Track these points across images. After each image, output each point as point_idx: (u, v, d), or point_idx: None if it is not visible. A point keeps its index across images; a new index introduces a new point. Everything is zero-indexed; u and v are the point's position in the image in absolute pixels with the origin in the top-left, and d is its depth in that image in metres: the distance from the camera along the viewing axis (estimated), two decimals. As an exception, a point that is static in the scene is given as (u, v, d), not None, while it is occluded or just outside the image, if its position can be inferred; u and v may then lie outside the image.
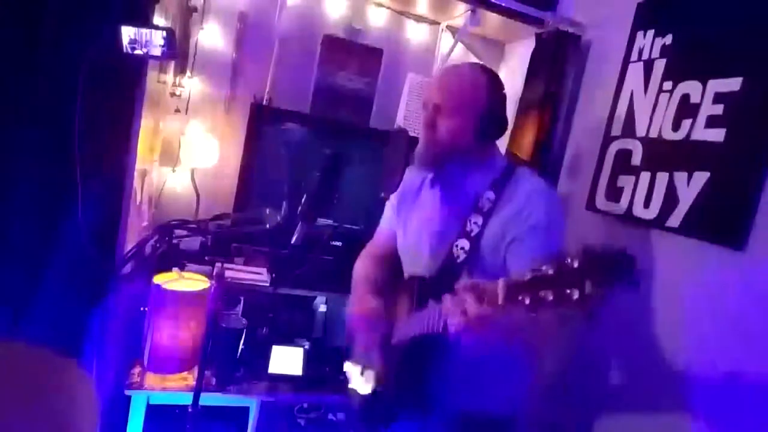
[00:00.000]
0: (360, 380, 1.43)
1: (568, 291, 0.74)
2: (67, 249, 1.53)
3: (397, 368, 1.35)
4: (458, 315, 0.94)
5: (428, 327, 1.14)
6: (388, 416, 1.39)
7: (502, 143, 2.33)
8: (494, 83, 1.33)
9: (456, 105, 1.29)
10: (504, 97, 1.36)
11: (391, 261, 1.57)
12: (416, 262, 1.45)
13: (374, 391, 1.40)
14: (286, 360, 2.10)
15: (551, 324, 1.14)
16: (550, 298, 0.76)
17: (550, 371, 1.99)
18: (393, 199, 1.64)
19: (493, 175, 1.34)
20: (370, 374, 1.40)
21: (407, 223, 1.51)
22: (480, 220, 1.30)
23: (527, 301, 0.80)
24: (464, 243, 1.30)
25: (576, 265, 0.74)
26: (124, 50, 1.49)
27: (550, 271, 0.78)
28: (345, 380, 1.58)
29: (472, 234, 1.30)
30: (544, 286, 0.78)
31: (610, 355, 1.77)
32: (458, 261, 1.30)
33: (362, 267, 1.62)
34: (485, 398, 1.36)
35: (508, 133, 2.30)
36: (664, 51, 1.74)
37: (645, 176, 1.71)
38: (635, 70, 1.85)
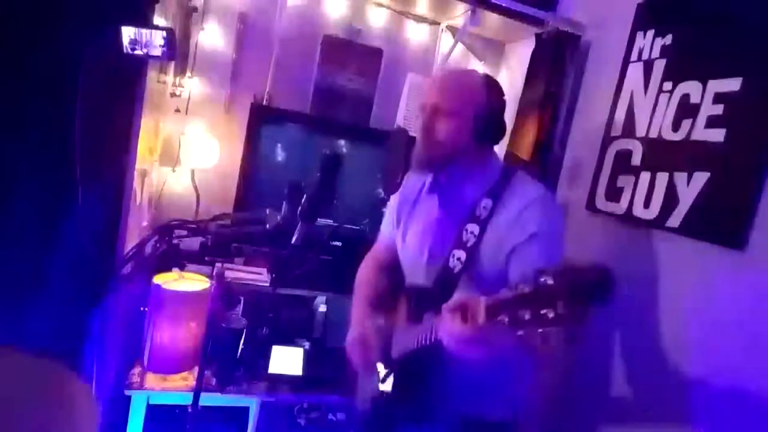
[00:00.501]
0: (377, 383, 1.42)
1: (543, 311, 0.74)
2: (67, 249, 1.53)
3: (398, 374, 1.35)
4: (446, 334, 0.96)
5: (422, 342, 1.14)
6: (390, 421, 1.39)
7: (502, 144, 2.33)
8: (493, 87, 1.33)
9: (454, 106, 1.29)
10: (503, 102, 1.36)
11: (392, 267, 1.57)
12: (415, 271, 1.45)
13: (376, 397, 1.39)
14: (286, 360, 2.10)
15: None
16: (527, 317, 0.77)
17: (552, 379, 1.98)
18: (393, 202, 1.63)
19: (489, 182, 1.33)
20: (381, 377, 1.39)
21: (406, 231, 1.51)
22: (477, 230, 1.29)
23: (506, 321, 0.81)
24: (461, 253, 1.29)
25: (551, 283, 0.74)
26: (125, 50, 1.49)
27: (527, 290, 0.78)
28: (345, 381, 1.58)
29: (469, 244, 1.29)
30: (521, 305, 0.78)
31: (610, 355, 1.77)
32: (455, 272, 1.29)
33: (364, 274, 1.62)
34: (485, 403, 1.36)
35: (508, 133, 2.31)
36: (664, 51, 1.74)
37: (645, 176, 1.71)
38: (635, 70, 1.85)
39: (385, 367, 1.38)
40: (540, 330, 0.76)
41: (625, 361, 1.73)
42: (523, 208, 1.26)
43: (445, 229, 1.37)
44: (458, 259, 1.29)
